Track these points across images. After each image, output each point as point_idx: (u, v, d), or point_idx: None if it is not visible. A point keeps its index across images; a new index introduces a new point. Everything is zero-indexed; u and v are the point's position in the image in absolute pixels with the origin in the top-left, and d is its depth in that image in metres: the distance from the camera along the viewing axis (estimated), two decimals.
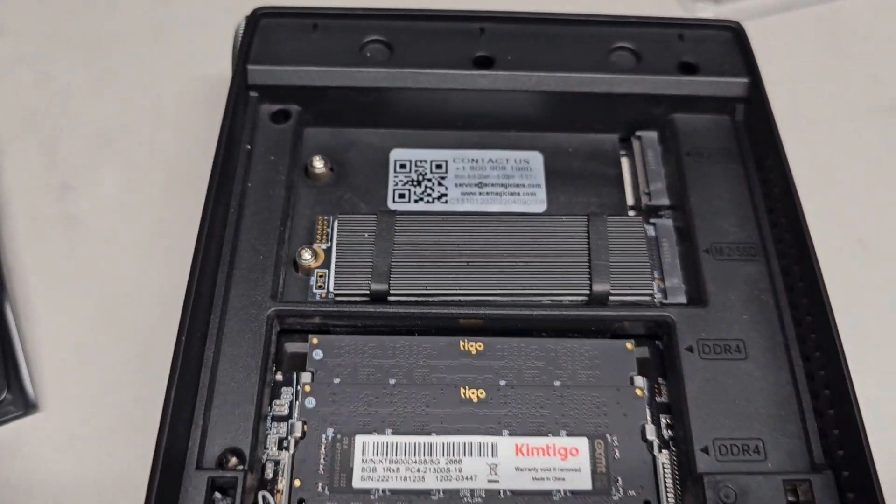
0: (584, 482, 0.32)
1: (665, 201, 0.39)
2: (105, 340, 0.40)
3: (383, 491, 0.32)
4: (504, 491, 0.32)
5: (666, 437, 0.34)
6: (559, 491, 0.32)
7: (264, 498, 0.32)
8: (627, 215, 0.39)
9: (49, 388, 0.39)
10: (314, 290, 0.36)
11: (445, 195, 0.39)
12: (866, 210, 0.46)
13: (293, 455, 0.32)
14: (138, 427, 0.35)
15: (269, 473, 0.32)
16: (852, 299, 0.42)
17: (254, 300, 0.34)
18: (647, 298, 0.36)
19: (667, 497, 0.32)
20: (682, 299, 0.36)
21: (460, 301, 0.35)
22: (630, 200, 0.40)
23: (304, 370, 0.34)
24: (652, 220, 0.38)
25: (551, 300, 0.35)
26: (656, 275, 0.37)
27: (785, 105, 0.45)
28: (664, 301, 0.36)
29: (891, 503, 0.29)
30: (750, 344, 0.34)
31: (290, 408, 0.34)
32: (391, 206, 0.39)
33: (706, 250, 0.36)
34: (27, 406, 0.39)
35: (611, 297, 0.35)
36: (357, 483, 0.32)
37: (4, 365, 0.40)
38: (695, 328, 0.34)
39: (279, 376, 0.34)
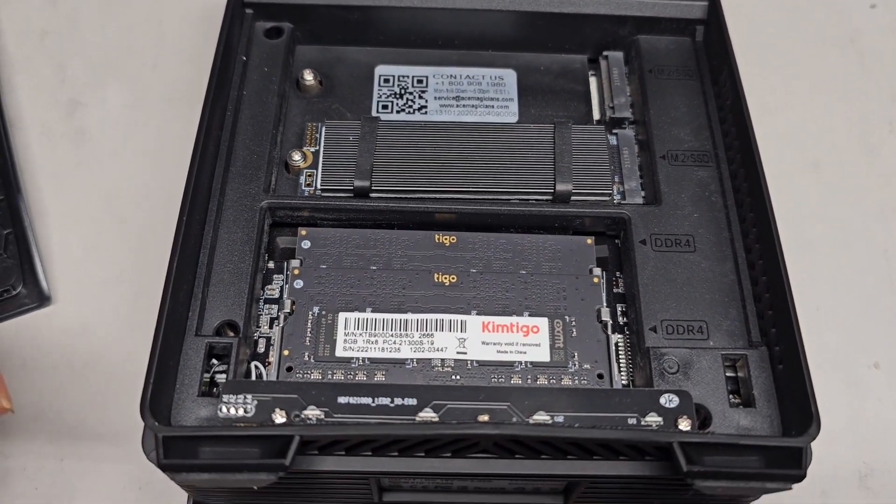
0: (543, 355, 0.36)
1: (628, 114, 0.42)
2: (112, 238, 0.44)
3: (363, 359, 0.35)
4: (471, 361, 0.35)
5: (620, 322, 0.37)
6: (520, 363, 0.35)
7: (256, 367, 0.35)
8: (593, 125, 0.42)
9: (62, 282, 0.43)
10: (303, 188, 0.39)
11: (425, 107, 0.42)
12: (823, 134, 0.49)
13: (283, 328, 0.36)
14: (143, 313, 0.38)
15: (261, 348, 0.36)
16: (803, 216, 0.46)
17: (248, 193, 0.38)
18: (607, 199, 0.39)
19: (619, 370, 0.36)
20: (639, 200, 0.40)
21: (436, 198, 0.38)
22: (596, 115, 0.43)
23: (294, 258, 0.38)
24: (615, 131, 0.42)
25: (519, 199, 0.39)
26: (616, 179, 0.40)
27: (745, 31, 0.48)
28: (622, 202, 0.40)
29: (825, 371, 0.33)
30: (698, 238, 0.37)
31: (281, 292, 0.37)
32: (375, 115, 0.42)
33: (662, 156, 0.40)
34: (41, 298, 0.43)
35: (573, 197, 0.39)
36: (340, 352, 0.35)
37: (20, 262, 0.43)
38: (649, 224, 0.38)
39: (271, 264, 0.38)
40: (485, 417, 0.31)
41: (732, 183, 0.39)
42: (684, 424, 0.32)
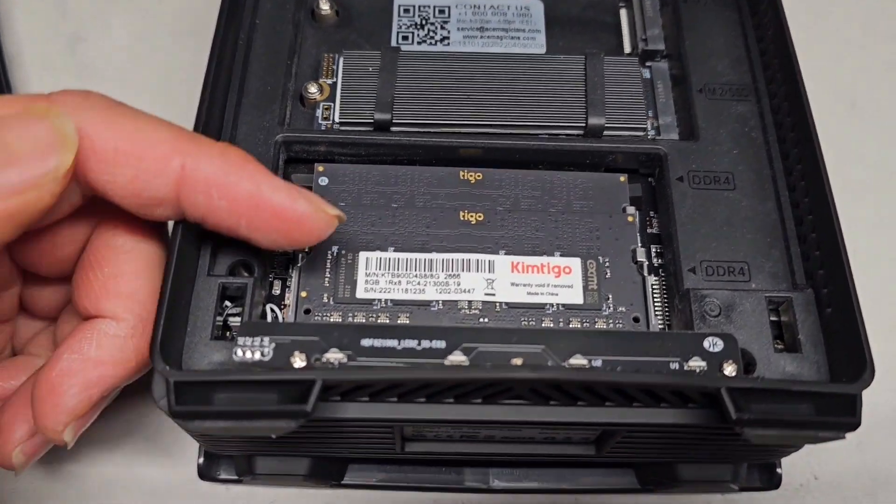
0: (576, 297, 0.34)
1: (661, 46, 0.39)
2: None
3: (385, 301, 0.33)
4: (500, 303, 0.33)
5: (656, 264, 0.35)
6: (552, 305, 0.34)
7: (272, 310, 0.34)
8: (626, 56, 0.40)
9: None
10: (320, 122, 0.37)
11: (448, 38, 0.40)
12: (860, 72, 0.47)
13: (300, 269, 0.34)
14: None
15: (277, 290, 0.34)
16: (839, 158, 0.44)
17: (262, 127, 0.36)
18: (641, 133, 0.37)
19: (655, 314, 0.34)
20: (675, 136, 0.37)
21: (460, 131, 0.36)
22: (627, 48, 0.41)
23: None
24: (648, 64, 0.39)
25: (549, 133, 0.37)
26: (650, 113, 0.38)
27: None
28: (657, 137, 0.37)
29: (865, 315, 0.31)
30: (738, 176, 0.35)
31: None
32: (395, 46, 0.39)
33: (699, 90, 0.37)
34: None
35: (606, 131, 0.36)
36: (361, 294, 0.33)
37: None
38: (686, 160, 0.36)
39: None
40: (518, 361, 0.29)
41: (774, 118, 0.37)
42: (730, 370, 0.30)
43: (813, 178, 0.34)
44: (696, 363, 0.30)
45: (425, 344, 0.30)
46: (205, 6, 0.43)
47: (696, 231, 0.34)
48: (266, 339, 0.30)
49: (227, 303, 0.32)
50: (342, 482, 0.38)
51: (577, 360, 0.29)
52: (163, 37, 0.45)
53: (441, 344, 0.30)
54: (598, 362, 0.30)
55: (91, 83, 0.44)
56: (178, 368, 0.30)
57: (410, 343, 0.30)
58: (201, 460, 0.38)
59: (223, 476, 0.38)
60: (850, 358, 0.30)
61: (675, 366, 0.30)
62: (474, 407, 0.29)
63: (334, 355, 0.29)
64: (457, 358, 0.29)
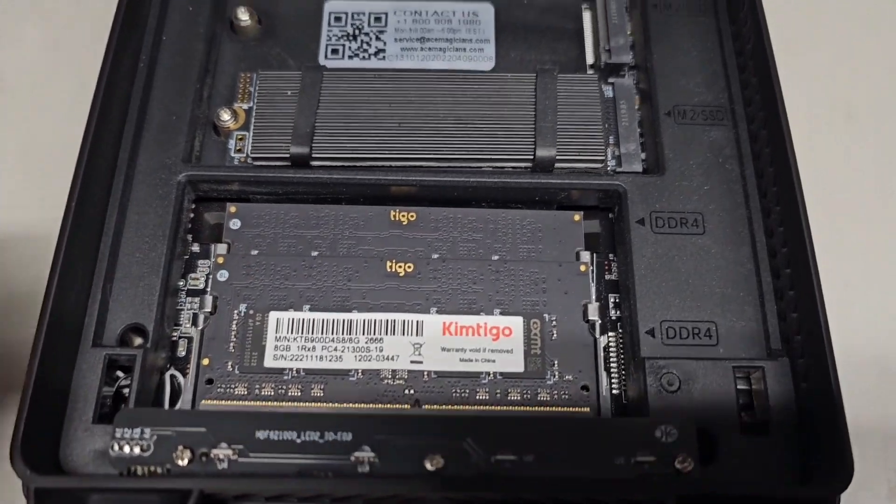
0: (516, 364, 0.29)
1: (627, 59, 0.34)
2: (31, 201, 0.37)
3: (297, 370, 0.29)
4: (428, 372, 0.29)
5: (613, 317, 0.31)
6: (488, 373, 0.29)
7: (172, 378, 0.30)
8: (584, 73, 0.35)
9: None
10: (232, 154, 0.33)
11: (383, 51, 0.35)
12: (856, 78, 0.42)
13: (202, 331, 0.30)
14: None
15: (182, 351, 0.30)
16: (832, 173, 0.39)
17: (164, 164, 0.31)
18: (598, 165, 0.32)
19: (609, 382, 0.30)
20: (638, 167, 0.33)
21: (390, 166, 0.32)
22: (590, 59, 0.36)
23: (221, 241, 0.31)
24: (611, 80, 0.34)
25: (492, 166, 0.32)
26: (611, 140, 0.33)
27: None
28: (618, 169, 0.33)
29: (845, 391, 0.27)
30: (709, 217, 0.31)
31: (207, 281, 0.31)
32: (323, 62, 0.35)
33: (667, 113, 0.32)
34: None
35: (557, 164, 0.32)
36: (269, 362, 0.29)
37: None
38: (648, 199, 0.31)
39: (196, 248, 0.32)
40: (437, 459, 0.25)
41: (752, 147, 0.32)
42: (684, 465, 0.26)
43: (792, 226, 0.29)
44: (645, 458, 0.26)
45: (329, 436, 0.26)
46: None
47: (657, 285, 0.30)
48: (147, 430, 0.26)
49: (119, 373, 0.29)
50: None
51: (505, 455, 0.25)
52: (78, 45, 0.41)
53: (347, 436, 0.26)
54: (529, 458, 0.26)
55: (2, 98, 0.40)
56: (53, 459, 0.26)
57: (312, 435, 0.26)
58: None
59: None
60: (827, 452, 0.26)
61: (620, 461, 0.26)
62: None
63: (223, 451, 0.25)
64: (364, 454, 0.25)
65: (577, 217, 0.32)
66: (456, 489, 0.25)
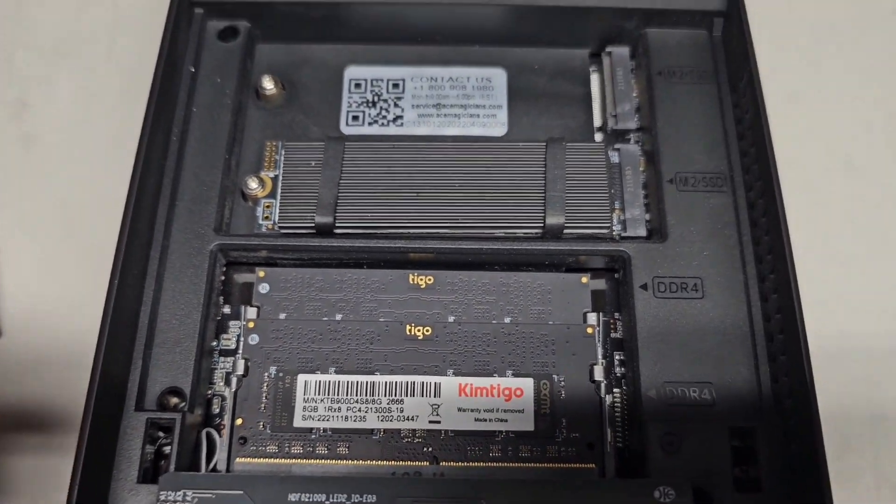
0: (527, 423, 0.32)
1: (632, 125, 0.36)
2: (66, 263, 0.40)
3: (324, 430, 0.32)
4: (445, 431, 0.32)
5: (619, 374, 0.33)
6: (501, 432, 0.32)
7: (208, 434, 0.32)
8: (591, 141, 0.37)
9: (12, 313, 0.39)
10: (260, 222, 0.35)
11: (401, 117, 0.37)
12: (856, 128, 0.43)
13: (235, 393, 0.32)
14: None
15: (216, 408, 0.33)
16: (832, 222, 0.41)
17: (197, 233, 0.33)
18: (605, 231, 0.34)
19: (615, 438, 0.32)
20: (643, 231, 0.35)
21: (409, 234, 0.34)
22: (598, 122, 0.37)
23: (251, 304, 0.34)
24: (617, 146, 0.36)
25: (504, 233, 0.34)
26: (617, 205, 0.35)
27: (771, 9, 0.42)
28: (623, 234, 0.35)
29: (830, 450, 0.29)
30: (708, 282, 0.33)
31: (238, 341, 0.33)
32: (344, 129, 0.37)
33: (670, 180, 0.34)
34: None
35: (566, 230, 0.34)
36: (298, 422, 0.32)
37: None
38: (651, 264, 0.33)
39: (227, 309, 0.34)
40: None
41: (749, 214, 0.34)
42: None
43: (784, 295, 0.31)
44: None
45: (356, 498, 0.28)
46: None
47: (658, 348, 0.32)
48: (189, 493, 0.28)
49: (161, 433, 0.31)
50: None
51: None
52: (110, 101, 0.43)
53: (372, 498, 0.28)
54: None
55: (37, 153, 0.42)
56: None
57: (340, 497, 0.28)
58: None
59: None
60: None
61: None
62: None
63: None
64: None
65: (584, 279, 0.34)
66: None
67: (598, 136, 0.37)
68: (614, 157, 0.36)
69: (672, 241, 0.33)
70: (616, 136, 0.36)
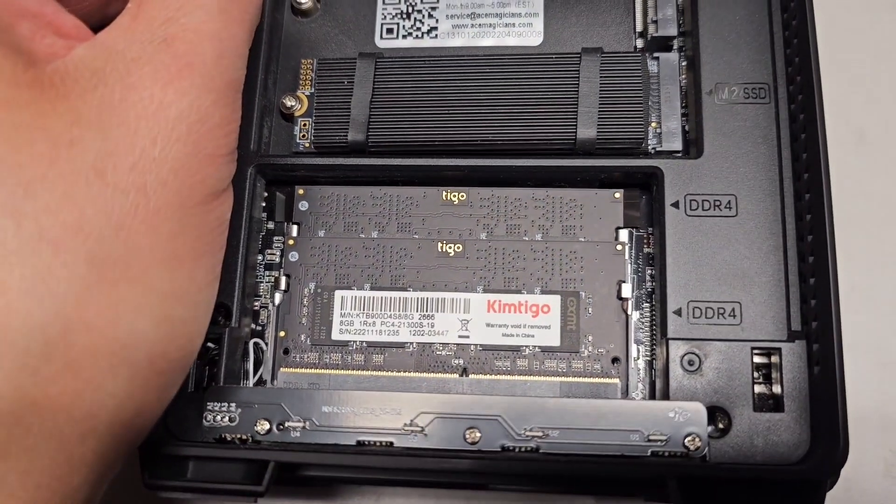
0: (553, 339, 0.33)
1: (672, 31, 0.35)
2: None
3: (360, 343, 0.33)
4: (474, 345, 0.33)
5: (649, 288, 0.33)
6: (528, 346, 0.33)
7: (256, 344, 0.34)
8: (629, 51, 0.35)
9: None
10: (298, 140, 0.36)
11: (436, 28, 0.36)
12: (869, 102, 0.41)
13: (278, 307, 0.34)
14: None
15: (263, 319, 0.35)
16: (844, 191, 0.39)
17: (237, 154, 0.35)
18: (638, 146, 0.34)
19: (639, 354, 0.33)
20: (679, 145, 0.34)
21: (441, 151, 0.34)
22: (639, 27, 0.36)
23: (292, 221, 0.35)
24: (656, 55, 0.35)
25: (536, 150, 0.34)
26: (653, 118, 0.34)
27: None
28: (658, 147, 0.34)
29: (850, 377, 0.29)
30: (742, 199, 0.32)
31: (281, 256, 0.35)
32: (379, 43, 0.37)
33: (709, 92, 0.33)
34: None
35: (598, 145, 0.33)
36: (336, 335, 0.33)
37: None
38: (684, 181, 0.32)
39: (271, 225, 0.36)
40: (474, 433, 0.29)
41: (791, 127, 0.33)
42: (694, 443, 0.29)
43: (816, 215, 0.30)
44: (658, 436, 0.29)
45: (382, 412, 0.30)
46: None
47: (687, 266, 0.32)
48: (233, 404, 0.31)
49: (210, 344, 0.33)
50: None
51: (533, 433, 0.29)
52: None
53: (398, 412, 0.30)
54: (555, 433, 0.29)
55: None
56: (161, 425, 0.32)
57: (368, 410, 0.30)
58: None
59: None
60: (825, 436, 0.28)
61: (635, 437, 0.29)
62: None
63: (296, 423, 0.30)
64: (412, 428, 0.30)
65: (617, 195, 0.34)
66: (489, 460, 0.29)
67: (640, 42, 0.36)
68: (653, 67, 0.35)
69: (707, 156, 0.33)
70: (655, 45, 0.35)
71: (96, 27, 0.33)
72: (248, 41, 0.30)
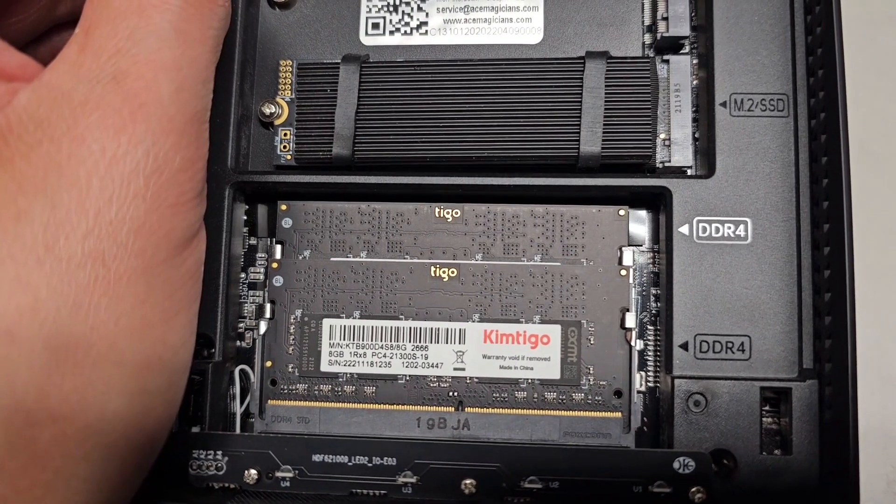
0: (552, 371, 0.31)
1: (684, 31, 0.31)
2: None
3: (350, 375, 0.32)
4: (470, 378, 0.31)
5: (653, 311, 0.32)
6: (526, 380, 0.31)
7: (242, 371, 0.33)
8: (637, 55, 0.32)
9: None
10: (279, 152, 0.33)
11: (425, 23, 0.33)
12: (871, 115, 0.38)
13: (263, 336, 0.32)
14: None
15: (248, 342, 0.33)
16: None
17: (212, 171, 0.32)
18: (645, 161, 0.31)
19: (645, 384, 0.31)
20: (689, 159, 0.31)
21: (432, 167, 0.32)
22: (648, 22, 0.33)
23: (275, 239, 0.33)
24: (666, 57, 0.32)
25: (536, 164, 0.31)
26: (662, 128, 0.32)
27: None
28: (666, 162, 0.32)
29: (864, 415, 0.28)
30: (756, 225, 0.30)
31: (265, 274, 0.33)
32: (363, 39, 0.33)
33: (723, 103, 0.31)
34: None
35: (602, 161, 0.31)
36: (325, 367, 0.32)
37: None
38: (693, 203, 0.30)
39: (253, 241, 0.33)
40: (470, 482, 0.28)
41: (811, 146, 0.30)
42: (698, 496, 0.28)
43: (835, 248, 0.28)
44: (661, 489, 0.28)
45: (376, 461, 0.29)
46: None
47: (695, 296, 0.30)
48: (219, 452, 0.29)
49: (195, 376, 0.32)
50: None
51: (533, 484, 0.28)
52: None
53: (392, 461, 0.29)
54: (555, 484, 0.28)
55: None
56: None
57: (361, 459, 0.29)
58: None
59: None
60: (838, 480, 0.27)
61: (637, 489, 0.28)
62: None
63: (285, 473, 0.29)
64: (406, 479, 0.29)
65: (622, 212, 0.32)
66: None
67: (648, 39, 0.33)
68: (662, 71, 0.32)
69: (719, 175, 0.30)
70: (665, 46, 0.32)
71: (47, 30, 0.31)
72: (214, 60, 0.27)
